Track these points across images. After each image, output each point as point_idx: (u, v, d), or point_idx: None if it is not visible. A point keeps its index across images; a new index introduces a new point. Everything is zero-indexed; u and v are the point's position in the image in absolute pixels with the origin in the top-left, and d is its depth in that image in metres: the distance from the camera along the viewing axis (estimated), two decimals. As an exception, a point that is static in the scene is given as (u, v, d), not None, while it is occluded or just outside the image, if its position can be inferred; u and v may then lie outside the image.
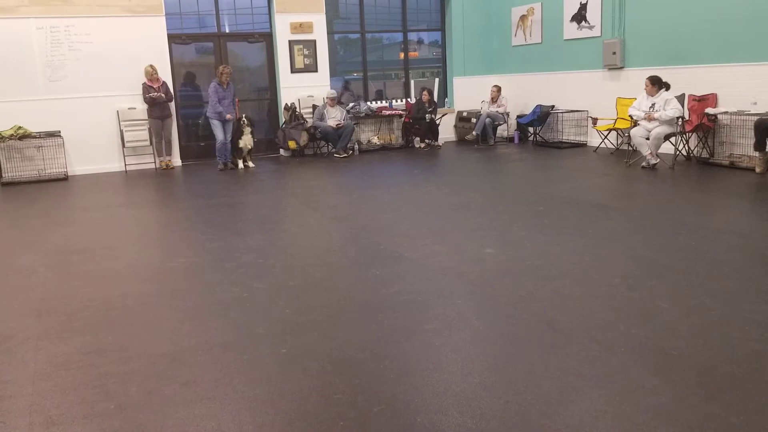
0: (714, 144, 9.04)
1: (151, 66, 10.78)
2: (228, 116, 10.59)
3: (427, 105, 12.24)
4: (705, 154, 9.11)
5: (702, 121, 8.94)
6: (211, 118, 10.58)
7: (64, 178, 10.38)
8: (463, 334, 3.62)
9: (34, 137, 10.27)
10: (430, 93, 12.38)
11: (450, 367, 3.21)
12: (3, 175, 10.16)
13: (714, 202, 6.70)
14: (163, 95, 10.78)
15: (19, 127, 10.18)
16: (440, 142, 12.64)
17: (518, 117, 12.72)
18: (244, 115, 10.80)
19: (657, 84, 8.65)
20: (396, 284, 4.51)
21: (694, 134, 9.15)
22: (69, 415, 2.91)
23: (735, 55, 8.79)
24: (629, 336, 3.47)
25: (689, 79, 9.29)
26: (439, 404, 2.86)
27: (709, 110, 8.92)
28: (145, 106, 10.88)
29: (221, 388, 3.10)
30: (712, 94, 9.06)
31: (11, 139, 10.08)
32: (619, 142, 10.72)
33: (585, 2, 11.21)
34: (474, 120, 12.73)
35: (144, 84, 10.76)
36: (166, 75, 11.04)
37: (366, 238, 5.84)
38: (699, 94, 9.14)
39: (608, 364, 3.16)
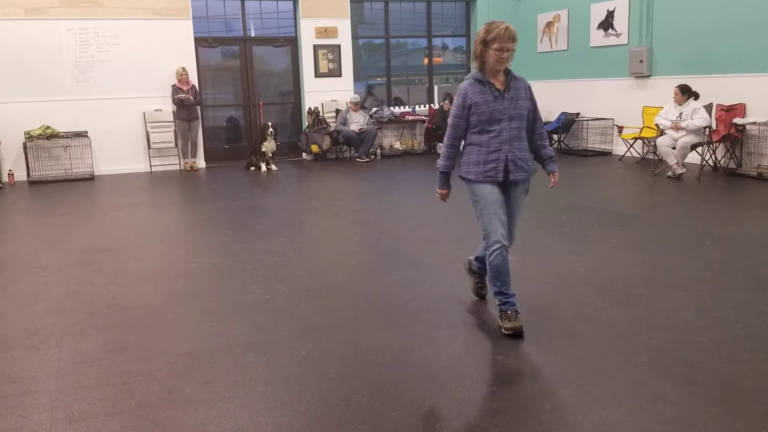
0: (742, 154, 8.92)
1: (183, 68, 10.89)
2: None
3: (447, 113, 12.22)
4: (732, 165, 8.99)
5: (730, 131, 8.83)
6: (467, 178, 3.98)
7: (90, 178, 10.50)
8: (484, 341, 3.60)
9: (62, 137, 10.42)
10: (453, 101, 12.34)
11: (469, 374, 3.20)
12: (30, 174, 10.31)
13: (740, 214, 6.60)
14: (191, 98, 10.88)
15: (47, 127, 10.34)
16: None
17: (542, 124, 12.63)
18: (269, 123, 10.84)
19: (687, 93, 8.56)
20: (416, 289, 4.50)
21: (722, 144, 9.04)
22: (91, 412, 2.94)
23: (764, 64, 8.67)
24: (651, 347, 3.43)
25: (717, 89, 9.18)
26: (457, 410, 2.85)
27: (738, 120, 8.80)
28: (172, 108, 11.00)
29: (241, 388, 3.12)
30: (741, 104, 8.94)
31: (39, 138, 10.23)
32: (645, 151, 10.61)
33: (612, 9, 11.13)
34: (497, 126, 12.67)
35: (174, 86, 10.87)
36: (192, 77, 11.13)
37: (387, 242, 5.84)
38: (727, 104, 9.03)
39: (629, 375, 3.13)
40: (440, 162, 3.97)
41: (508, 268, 3.75)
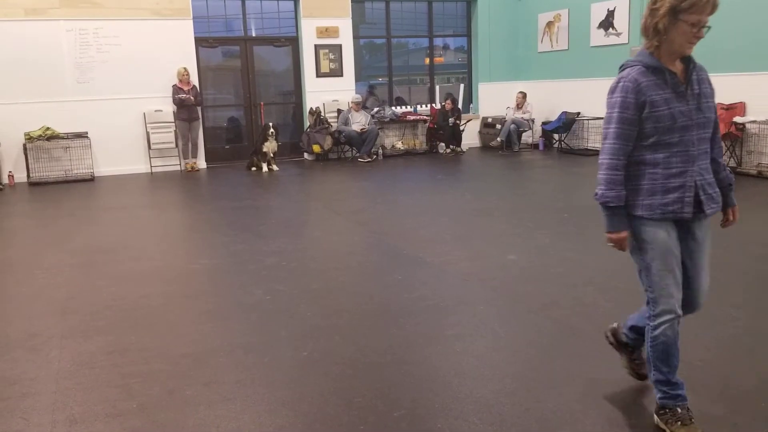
0: (742, 153, 8.91)
1: (185, 68, 10.89)
2: None
3: (449, 113, 12.24)
4: (732, 164, 8.99)
5: (730, 129, 8.82)
6: (634, 215, 2.66)
7: (91, 179, 10.50)
8: (485, 341, 3.60)
9: (62, 138, 10.41)
10: (454, 101, 12.36)
11: (471, 373, 3.20)
12: (30, 175, 10.30)
13: (740, 213, 6.58)
14: (192, 98, 10.87)
15: (47, 128, 10.33)
16: (464, 147, 12.60)
17: (543, 124, 12.64)
18: (271, 124, 10.83)
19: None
20: (418, 289, 4.49)
21: (722, 143, 9.03)
22: (91, 414, 2.93)
23: (764, 63, 8.65)
24: (653, 346, 3.42)
25: (717, 87, 9.03)
26: (459, 410, 2.84)
27: (738, 119, 8.80)
28: (172, 109, 10.99)
29: (242, 389, 3.11)
30: (741, 102, 8.93)
31: (39, 139, 10.23)
32: (645, 150, 10.60)
33: (612, 9, 11.12)
34: (499, 126, 12.68)
35: (174, 86, 10.87)
36: (192, 78, 11.12)
37: (388, 242, 5.83)
38: (727, 103, 9.02)
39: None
40: (604, 192, 2.56)
41: (679, 346, 2.61)
